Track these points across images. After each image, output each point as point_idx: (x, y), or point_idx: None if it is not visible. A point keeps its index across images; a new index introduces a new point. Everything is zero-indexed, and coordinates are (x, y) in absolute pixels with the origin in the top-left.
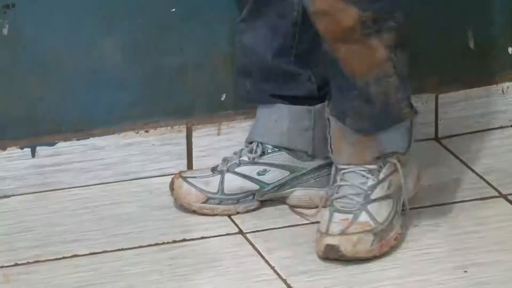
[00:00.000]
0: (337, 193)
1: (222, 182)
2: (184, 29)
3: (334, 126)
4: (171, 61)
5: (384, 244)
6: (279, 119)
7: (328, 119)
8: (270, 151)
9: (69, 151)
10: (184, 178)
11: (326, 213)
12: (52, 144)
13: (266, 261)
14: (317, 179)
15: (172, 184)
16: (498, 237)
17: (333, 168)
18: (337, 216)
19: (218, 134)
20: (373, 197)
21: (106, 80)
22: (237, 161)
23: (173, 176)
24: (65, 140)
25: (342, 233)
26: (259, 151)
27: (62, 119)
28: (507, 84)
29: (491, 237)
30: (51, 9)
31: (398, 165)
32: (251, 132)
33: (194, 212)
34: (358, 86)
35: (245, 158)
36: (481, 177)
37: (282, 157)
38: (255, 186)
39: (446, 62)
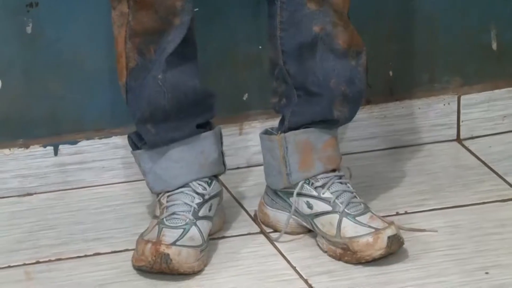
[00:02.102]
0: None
1: (200, 232)
2: (205, 29)
3: (300, 140)
4: None
5: None
6: (205, 149)
7: (285, 140)
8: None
9: (91, 149)
10: (174, 244)
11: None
12: (74, 142)
13: (288, 261)
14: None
15: (165, 258)
16: None
17: (300, 187)
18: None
19: (240, 134)
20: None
21: None
22: (195, 206)
23: (151, 254)
24: (87, 138)
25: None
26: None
27: (84, 118)
28: None
29: None
30: (73, 8)
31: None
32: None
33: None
34: (349, 61)
35: (197, 201)
36: (503, 179)
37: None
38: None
39: (469, 63)
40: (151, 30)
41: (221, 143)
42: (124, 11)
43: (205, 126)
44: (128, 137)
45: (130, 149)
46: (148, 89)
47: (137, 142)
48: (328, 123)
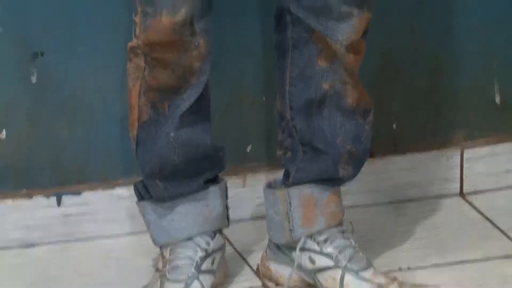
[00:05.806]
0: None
1: (203, 286)
2: (210, 81)
3: (303, 195)
4: None
5: None
6: (210, 203)
7: (289, 195)
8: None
9: (94, 200)
10: None
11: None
12: (78, 193)
13: None
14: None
15: None
16: None
17: (303, 242)
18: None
19: (244, 185)
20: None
21: None
22: (198, 260)
23: None
24: (91, 189)
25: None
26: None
27: (88, 168)
28: None
29: None
30: (79, 57)
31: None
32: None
33: None
34: (356, 119)
35: (200, 254)
36: (506, 235)
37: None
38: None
39: (472, 117)
40: (167, 87)
41: (226, 197)
42: (140, 64)
43: (212, 180)
44: (134, 186)
45: (135, 199)
46: (159, 144)
47: (143, 193)
48: (332, 181)
